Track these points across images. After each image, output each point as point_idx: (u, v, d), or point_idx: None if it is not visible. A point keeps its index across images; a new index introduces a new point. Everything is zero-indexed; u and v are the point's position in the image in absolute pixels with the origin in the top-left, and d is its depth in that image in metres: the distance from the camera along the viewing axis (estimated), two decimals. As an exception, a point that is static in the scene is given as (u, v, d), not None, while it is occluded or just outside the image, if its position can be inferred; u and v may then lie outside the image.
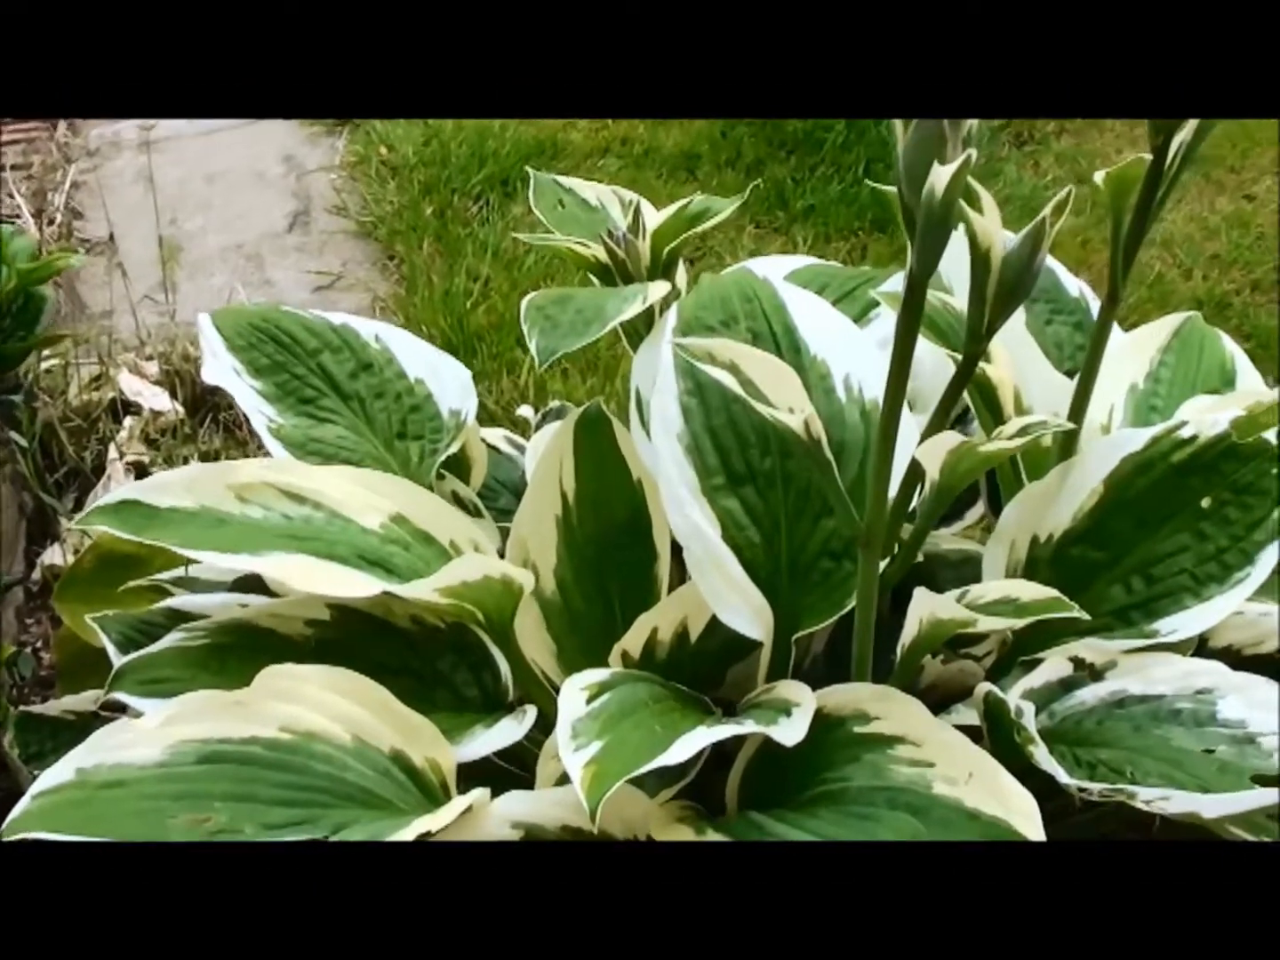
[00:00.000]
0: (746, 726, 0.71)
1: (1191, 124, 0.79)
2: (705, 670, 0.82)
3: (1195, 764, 0.72)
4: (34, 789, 0.67)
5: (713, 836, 0.70)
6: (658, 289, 0.86)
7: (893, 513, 0.74)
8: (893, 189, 0.69)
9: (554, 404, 1.12)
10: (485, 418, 1.55)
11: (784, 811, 0.70)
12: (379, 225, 2.03)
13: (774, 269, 0.91)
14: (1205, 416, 0.83)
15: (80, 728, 0.95)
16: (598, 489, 0.86)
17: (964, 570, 0.87)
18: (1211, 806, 0.68)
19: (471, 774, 0.75)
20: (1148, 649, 0.79)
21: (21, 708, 1.04)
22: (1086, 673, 0.78)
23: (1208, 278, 1.89)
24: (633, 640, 0.81)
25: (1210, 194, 2.07)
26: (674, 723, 0.70)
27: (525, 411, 1.20)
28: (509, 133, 2.15)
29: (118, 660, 0.81)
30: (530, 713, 0.79)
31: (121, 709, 0.80)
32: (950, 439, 0.72)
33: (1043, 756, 0.70)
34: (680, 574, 0.82)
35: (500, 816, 0.71)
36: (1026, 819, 0.65)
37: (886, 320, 0.93)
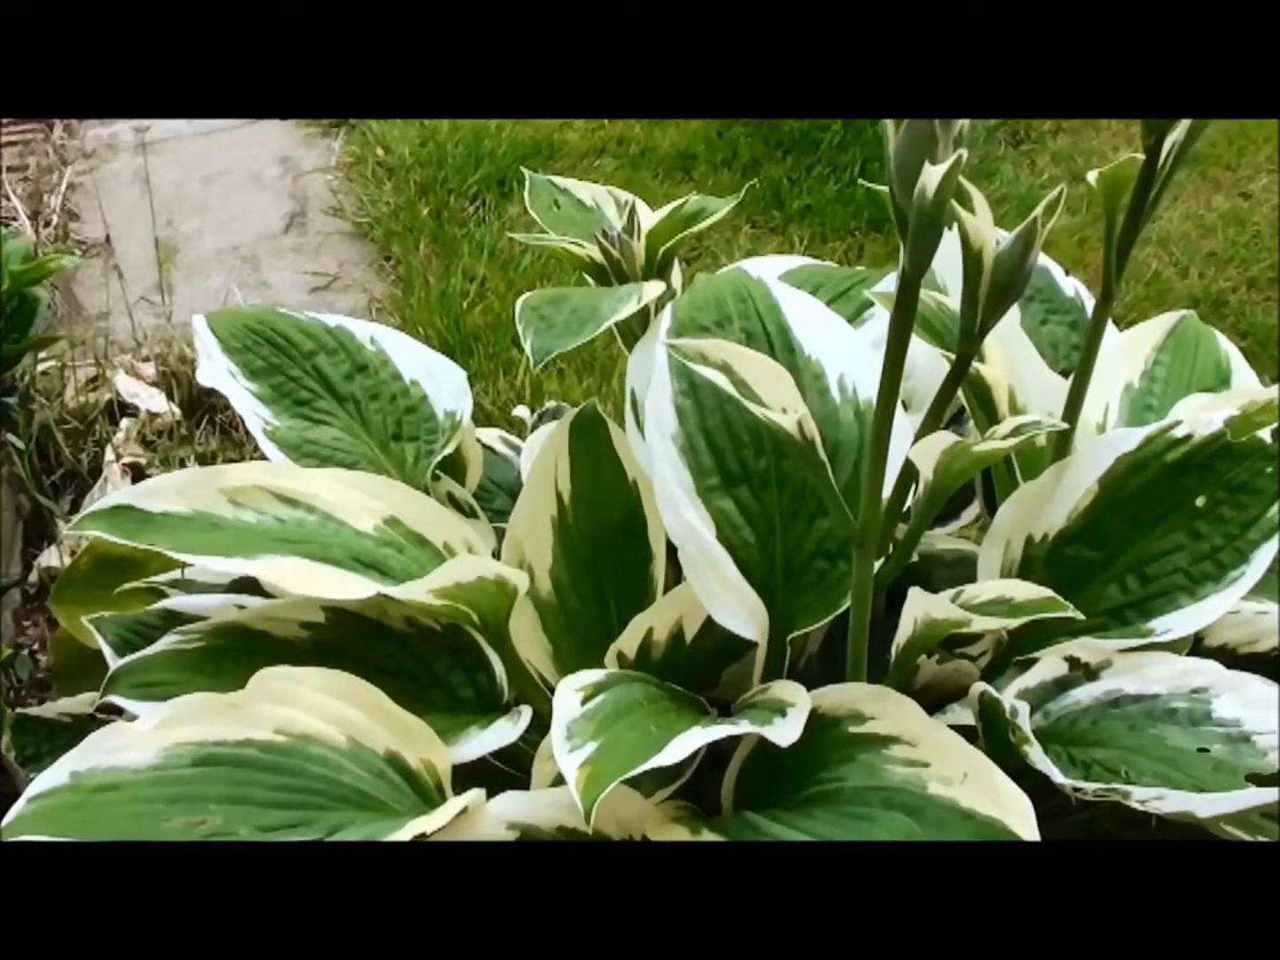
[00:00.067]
0: (741, 727, 0.71)
1: (1184, 123, 0.79)
2: (700, 671, 0.82)
3: (1190, 763, 0.72)
4: (29, 792, 0.67)
5: (708, 837, 0.70)
6: (653, 289, 0.86)
7: (887, 513, 0.74)
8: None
9: (550, 404, 1.12)
10: (482, 418, 1.55)
11: (779, 811, 0.70)
12: (375, 226, 2.03)
13: (769, 269, 0.91)
14: (1200, 415, 0.83)
15: (77, 730, 0.95)
16: (593, 489, 0.86)
17: (959, 570, 0.87)
18: (1206, 806, 0.68)
19: (467, 775, 0.75)
20: (1143, 648, 0.79)
21: (18, 710, 1.04)
22: (1081, 672, 0.78)
23: (1204, 275, 1.89)
24: (628, 641, 0.81)
25: (1206, 192, 2.07)
26: (669, 723, 0.70)
27: (521, 412, 1.20)
28: (505, 133, 2.15)
29: (114, 662, 0.81)
30: (525, 713, 0.79)
31: (118, 711, 0.80)
32: (944, 439, 0.71)
33: (1038, 756, 0.70)
34: (676, 574, 0.82)
35: (496, 817, 0.71)
36: (1021, 819, 0.65)
37: (881, 320, 0.93)
